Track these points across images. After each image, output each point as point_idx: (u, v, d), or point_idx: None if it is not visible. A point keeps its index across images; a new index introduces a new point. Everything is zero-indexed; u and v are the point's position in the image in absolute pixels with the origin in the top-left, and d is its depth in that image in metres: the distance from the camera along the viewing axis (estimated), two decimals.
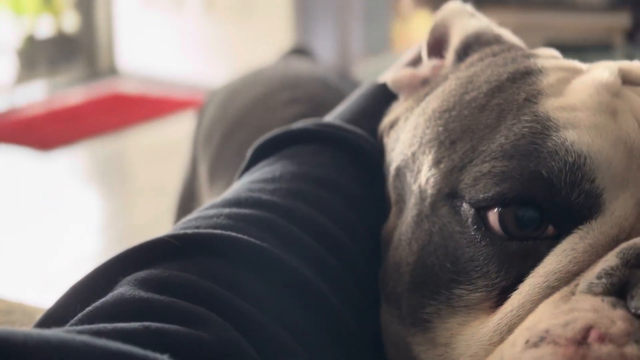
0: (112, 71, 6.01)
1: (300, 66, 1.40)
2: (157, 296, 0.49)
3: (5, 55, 5.58)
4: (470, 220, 0.57)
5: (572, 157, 0.54)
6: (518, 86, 0.61)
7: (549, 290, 0.53)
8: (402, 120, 0.72)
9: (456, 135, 0.61)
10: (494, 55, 0.68)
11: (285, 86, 1.26)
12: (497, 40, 0.71)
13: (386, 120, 0.75)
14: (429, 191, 0.62)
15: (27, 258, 3.06)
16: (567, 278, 0.53)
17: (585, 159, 0.54)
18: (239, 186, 0.66)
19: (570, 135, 0.55)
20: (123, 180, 4.09)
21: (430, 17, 4.26)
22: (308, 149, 0.71)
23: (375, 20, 5.27)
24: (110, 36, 6.07)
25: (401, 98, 0.77)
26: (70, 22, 5.97)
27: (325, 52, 5.16)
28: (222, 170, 1.19)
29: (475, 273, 0.56)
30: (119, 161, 4.39)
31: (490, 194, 0.56)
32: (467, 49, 0.71)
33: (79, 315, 0.48)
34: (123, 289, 0.50)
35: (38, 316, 0.51)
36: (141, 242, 0.55)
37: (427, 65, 0.76)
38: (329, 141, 0.72)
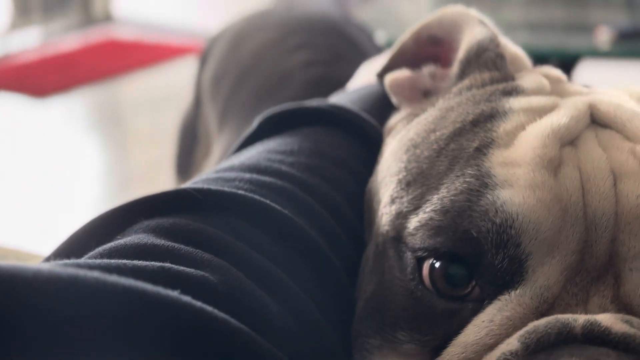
0: (108, 17, 5.94)
1: (308, 10, 1.39)
2: (172, 243, 0.50)
3: None
4: (409, 269, 0.56)
5: (500, 218, 0.52)
6: (476, 132, 0.58)
7: None
8: (398, 129, 0.70)
9: (412, 177, 0.60)
10: (479, 87, 0.64)
11: (297, 30, 1.25)
12: (496, 60, 0.66)
13: (391, 121, 0.73)
14: (381, 229, 0.61)
15: (23, 205, 3.06)
16: (485, 350, 0.51)
17: (514, 221, 0.51)
18: (255, 153, 0.67)
19: (503, 195, 0.52)
20: (119, 127, 4.08)
21: None
22: (323, 129, 0.72)
23: None
24: None
25: (402, 105, 0.73)
26: None
27: None
28: (234, 112, 1.20)
29: (408, 325, 0.56)
30: (115, 108, 4.37)
31: (425, 246, 0.55)
32: (467, 67, 0.67)
33: (94, 251, 0.49)
34: (141, 233, 0.51)
35: (33, 262, 0.50)
36: (165, 190, 0.56)
37: (426, 72, 0.72)
38: (342, 125, 0.72)
